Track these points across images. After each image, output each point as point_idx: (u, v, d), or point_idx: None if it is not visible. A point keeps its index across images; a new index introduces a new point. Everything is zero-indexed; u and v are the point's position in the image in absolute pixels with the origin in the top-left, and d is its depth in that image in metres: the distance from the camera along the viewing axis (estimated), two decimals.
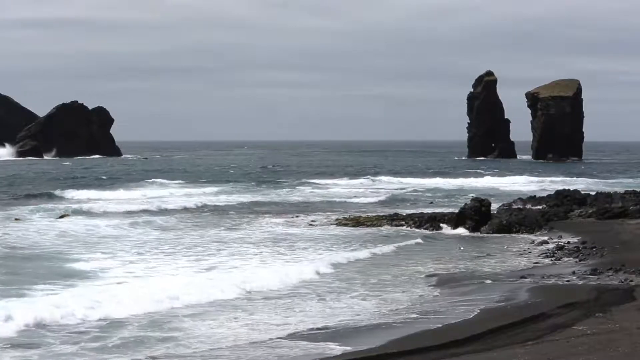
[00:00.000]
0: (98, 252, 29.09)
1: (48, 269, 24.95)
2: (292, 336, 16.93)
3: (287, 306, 20.27)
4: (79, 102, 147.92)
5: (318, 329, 17.65)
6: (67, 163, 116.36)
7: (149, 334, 17.15)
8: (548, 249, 30.09)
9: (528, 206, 44.41)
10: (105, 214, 44.39)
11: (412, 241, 32.81)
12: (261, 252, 29.81)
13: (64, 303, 18.87)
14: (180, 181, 74.47)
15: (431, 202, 53.16)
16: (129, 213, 45.02)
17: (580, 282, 22.53)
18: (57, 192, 57.88)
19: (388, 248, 30.57)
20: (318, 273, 24.81)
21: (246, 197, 57.05)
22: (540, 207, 43.70)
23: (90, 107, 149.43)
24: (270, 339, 16.60)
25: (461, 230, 36.70)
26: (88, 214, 44.34)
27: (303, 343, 16.17)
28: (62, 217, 42.19)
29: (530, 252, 29.81)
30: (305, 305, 20.38)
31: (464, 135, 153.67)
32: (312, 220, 41.31)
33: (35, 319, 17.60)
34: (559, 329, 16.16)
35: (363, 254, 29.06)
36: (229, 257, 28.13)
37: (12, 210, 44.97)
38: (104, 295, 19.94)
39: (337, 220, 41.10)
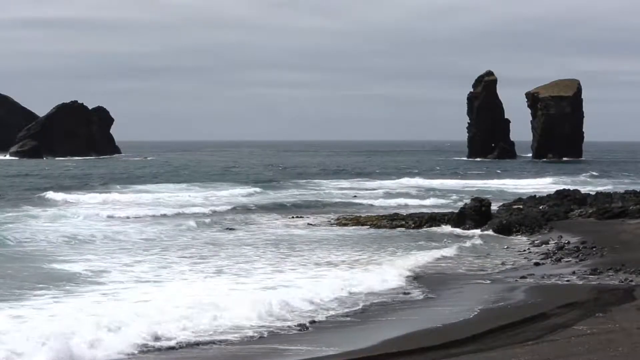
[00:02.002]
0: (100, 254, 28.90)
1: (36, 269, 24.76)
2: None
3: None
4: (79, 102, 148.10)
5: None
6: (67, 163, 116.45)
7: None
8: (548, 249, 30.07)
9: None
10: (103, 215, 44.13)
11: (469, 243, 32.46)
12: (264, 253, 29.70)
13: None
14: (181, 181, 74.33)
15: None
16: (128, 214, 44.82)
17: (580, 282, 22.52)
18: (57, 193, 57.78)
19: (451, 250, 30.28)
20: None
21: (250, 198, 57.12)
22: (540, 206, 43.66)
23: (90, 107, 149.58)
24: None
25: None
26: (86, 214, 44.21)
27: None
28: (61, 217, 42.15)
29: (530, 252, 29.79)
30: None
31: (464, 135, 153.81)
32: (312, 221, 41.28)
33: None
34: (559, 329, 16.15)
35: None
36: (233, 261, 27.77)
37: (11, 210, 44.92)
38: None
39: (337, 220, 41.07)
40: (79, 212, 44.86)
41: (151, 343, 16.07)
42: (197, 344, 16.30)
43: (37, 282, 22.48)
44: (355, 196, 58.72)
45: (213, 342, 16.41)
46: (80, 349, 15.13)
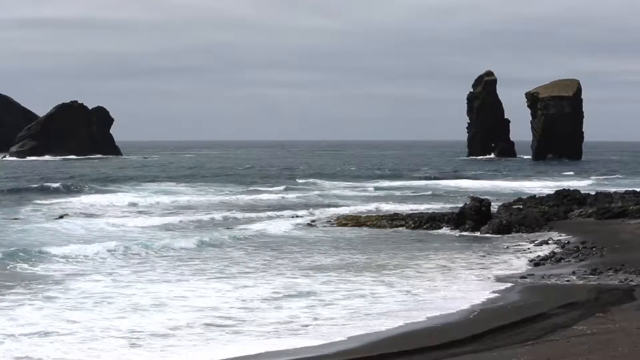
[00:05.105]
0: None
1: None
2: None
3: None
4: (79, 102, 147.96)
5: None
6: (67, 163, 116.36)
7: None
8: (548, 249, 30.05)
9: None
10: (101, 216, 43.92)
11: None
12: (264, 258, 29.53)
13: None
14: (183, 182, 74.02)
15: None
16: (126, 215, 44.78)
17: (580, 282, 22.52)
18: (56, 193, 57.75)
19: None
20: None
21: (249, 199, 56.92)
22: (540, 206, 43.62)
23: (90, 107, 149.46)
24: None
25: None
26: (84, 214, 44.12)
27: None
28: (61, 217, 42.11)
29: (530, 252, 29.78)
30: None
31: (464, 135, 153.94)
32: (312, 221, 41.07)
33: None
34: (559, 329, 16.15)
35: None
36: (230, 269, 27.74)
37: (11, 210, 44.90)
38: None
39: (337, 219, 40.90)
40: (76, 213, 44.76)
41: None
42: None
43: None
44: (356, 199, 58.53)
45: None
46: None
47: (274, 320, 18.30)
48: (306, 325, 17.86)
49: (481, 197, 41.55)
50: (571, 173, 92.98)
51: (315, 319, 18.48)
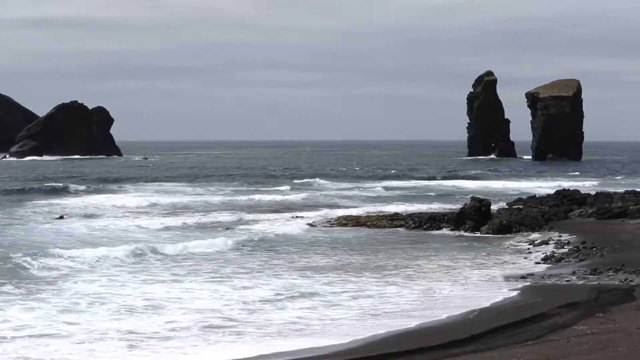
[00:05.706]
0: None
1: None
2: None
3: None
4: (79, 102, 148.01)
5: None
6: (67, 163, 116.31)
7: None
8: (548, 249, 30.06)
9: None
10: (101, 216, 43.73)
11: None
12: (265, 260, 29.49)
13: None
14: (184, 182, 73.94)
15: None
16: (126, 215, 44.70)
17: (580, 282, 22.53)
18: (56, 193, 57.71)
19: None
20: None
21: (248, 198, 56.80)
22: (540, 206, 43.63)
23: (90, 107, 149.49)
24: None
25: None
26: (84, 214, 44.04)
27: None
28: (60, 217, 42.10)
29: (530, 252, 29.77)
30: None
31: (464, 135, 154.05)
32: (313, 221, 40.98)
33: None
34: (559, 329, 16.16)
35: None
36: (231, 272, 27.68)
37: (11, 210, 44.88)
38: None
39: (337, 219, 40.84)
40: (75, 213, 44.73)
41: None
42: None
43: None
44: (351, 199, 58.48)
45: None
46: None
47: (280, 321, 18.25)
48: (311, 326, 17.87)
49: (481, 197, 41.55)
50: (571, 173, 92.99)
51: (320, 319, 18.47)
